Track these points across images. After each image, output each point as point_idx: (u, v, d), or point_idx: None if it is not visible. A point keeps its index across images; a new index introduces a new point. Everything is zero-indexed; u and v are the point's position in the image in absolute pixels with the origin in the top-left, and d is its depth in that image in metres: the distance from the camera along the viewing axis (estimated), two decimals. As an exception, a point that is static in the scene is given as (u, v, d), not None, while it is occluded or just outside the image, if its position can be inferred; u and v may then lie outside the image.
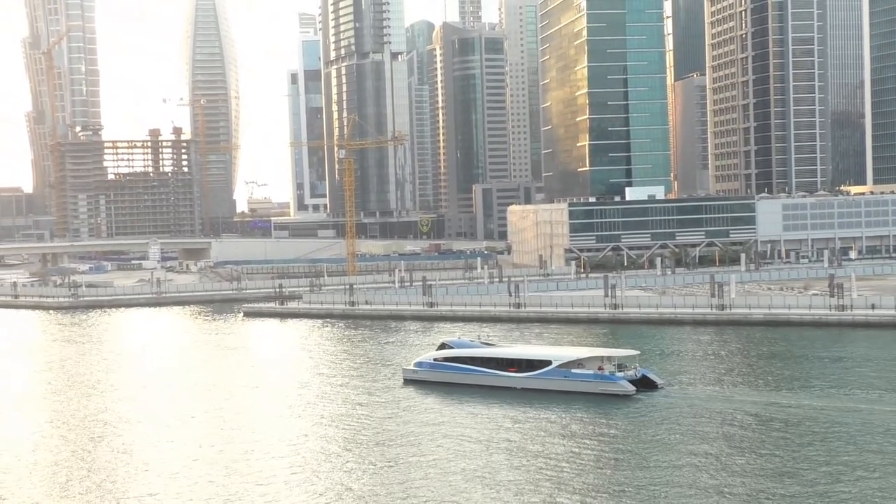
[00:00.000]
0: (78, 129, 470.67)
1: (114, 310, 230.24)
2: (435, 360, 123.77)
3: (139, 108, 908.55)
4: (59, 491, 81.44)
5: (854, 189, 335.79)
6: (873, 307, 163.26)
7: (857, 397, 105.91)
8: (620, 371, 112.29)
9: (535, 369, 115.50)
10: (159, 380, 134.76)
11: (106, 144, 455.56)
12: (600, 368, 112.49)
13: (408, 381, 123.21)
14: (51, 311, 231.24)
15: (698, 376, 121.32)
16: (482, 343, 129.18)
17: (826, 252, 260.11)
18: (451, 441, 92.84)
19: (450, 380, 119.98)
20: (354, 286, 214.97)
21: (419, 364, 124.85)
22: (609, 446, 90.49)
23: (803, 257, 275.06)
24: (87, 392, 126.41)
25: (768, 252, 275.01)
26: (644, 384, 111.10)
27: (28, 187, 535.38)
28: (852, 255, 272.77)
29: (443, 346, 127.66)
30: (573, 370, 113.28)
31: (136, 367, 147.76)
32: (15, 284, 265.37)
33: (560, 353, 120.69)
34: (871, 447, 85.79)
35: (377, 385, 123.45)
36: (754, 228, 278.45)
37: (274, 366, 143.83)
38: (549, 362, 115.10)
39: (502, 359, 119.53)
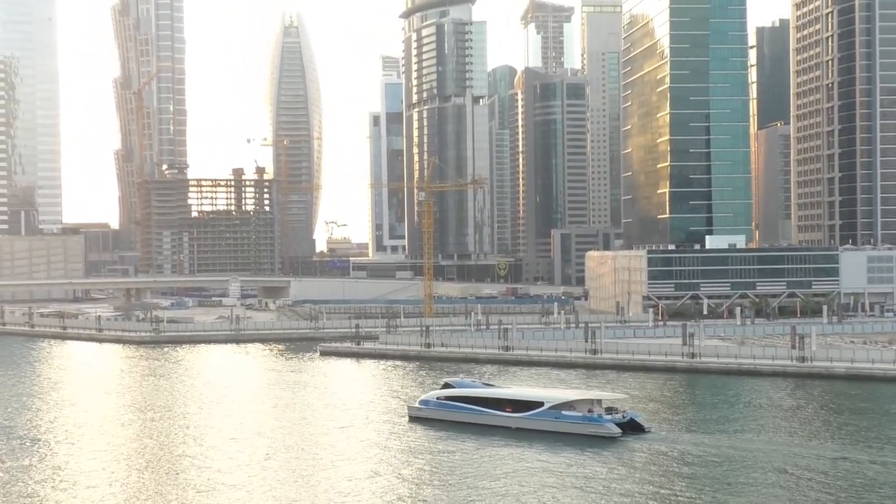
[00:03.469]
0: (164, 167, 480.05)
1: (193, 345, 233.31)
2: (438, 398, 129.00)
3: (224, 148, 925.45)
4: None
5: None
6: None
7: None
8: (609, 414, 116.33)
9: (528, 410, 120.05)
10: (230, 418, 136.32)
11: (191, 183, 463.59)
12: (590, 411, 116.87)
13: (413, 419, 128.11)
14: (132, 346, 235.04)
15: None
16: (483, 383, 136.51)
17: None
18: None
19: (450, 418, 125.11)
20: (430, 328, 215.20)
21: (424, 402, 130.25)
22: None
23: (888, 311, 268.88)
24: (167, 428, 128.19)
25: (851, 304, 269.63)
26: (632, 427, 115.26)
27: (115, 223, 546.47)
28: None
29: (446, 386, 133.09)
30: (564, 412, 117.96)
31: (208, 403, 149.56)
32: (99, 318, 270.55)
33: (552, 395, 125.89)
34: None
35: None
36: (837, 280, 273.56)
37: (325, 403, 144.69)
38: (541, 403, 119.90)
39: (499, 399, 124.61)
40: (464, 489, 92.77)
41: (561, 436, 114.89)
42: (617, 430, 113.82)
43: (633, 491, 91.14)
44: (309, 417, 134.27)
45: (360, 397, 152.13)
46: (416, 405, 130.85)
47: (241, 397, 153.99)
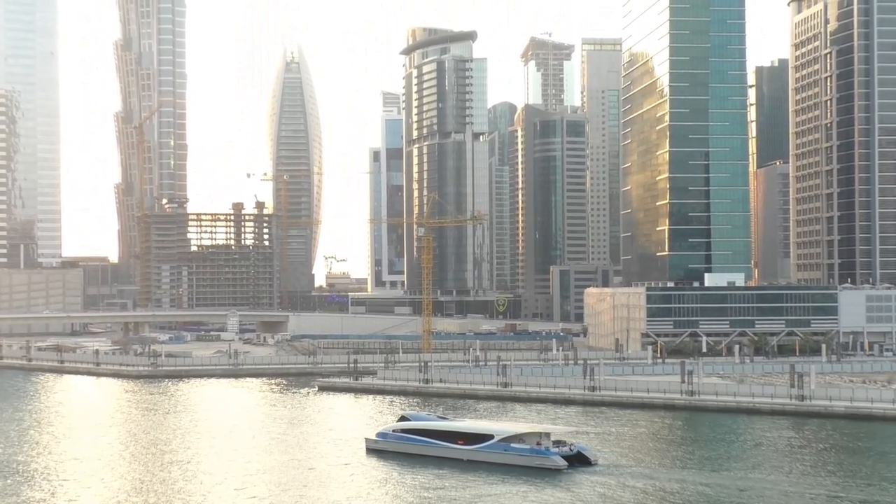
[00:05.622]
0: (164, 201, 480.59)
1: (191, 380, 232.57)
2: (394, 431, 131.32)
3: (224, 182, 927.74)
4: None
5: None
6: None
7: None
8: (556, 447, 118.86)
9: (479, 442, 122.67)
10: (220, 452, 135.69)
11: (190, 217, 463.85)
12: (539, 444, 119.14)
13: (370, 451, 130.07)
14: (129, 380, 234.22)
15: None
16: (438, 416, 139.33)
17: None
18: None
19: (406, 450, 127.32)
20: (429, 363, 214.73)
21: (381, 435, 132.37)
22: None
23: (887, 350, 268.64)
24: (162, 464, 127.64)
25: (850, 343, 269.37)
26: (579, 460, 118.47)
27: (114, 257, 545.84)
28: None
29: (402, 419, 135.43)
30: (513, 444, 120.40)
31: (199, 438, 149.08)
32: (97, 352, 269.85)
33: (503, 428, 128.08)
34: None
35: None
36: (836, 319, 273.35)
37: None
38: (491, 436, 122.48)
39: (452, 432, 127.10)
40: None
41: (508, 468, 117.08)
42: (563, 463, 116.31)
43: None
44: (287, 451, 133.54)
45: (342, 432, 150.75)
46: (374, 438, 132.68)
47: (234, 432, 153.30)
